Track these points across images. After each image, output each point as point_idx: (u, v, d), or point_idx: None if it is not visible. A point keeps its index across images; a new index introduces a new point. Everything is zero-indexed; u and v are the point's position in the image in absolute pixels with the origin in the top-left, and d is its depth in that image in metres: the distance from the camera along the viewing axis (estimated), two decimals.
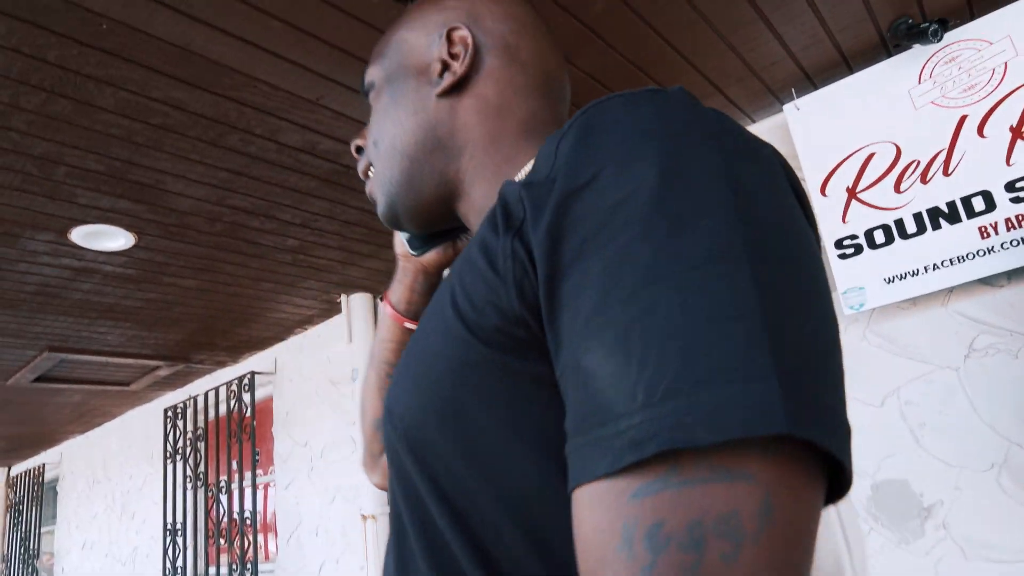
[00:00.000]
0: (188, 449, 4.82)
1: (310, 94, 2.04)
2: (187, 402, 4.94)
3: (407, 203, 0.67)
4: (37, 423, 6.32)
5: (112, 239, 2.77)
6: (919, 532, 2.10)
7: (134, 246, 2.85)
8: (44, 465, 7.68)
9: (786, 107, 2.43)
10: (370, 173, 0.72)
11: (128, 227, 2.69)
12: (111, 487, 6.23)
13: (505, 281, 0.41)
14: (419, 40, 0.66)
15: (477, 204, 0.64)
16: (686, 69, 2.20)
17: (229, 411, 4.47)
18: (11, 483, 8.65)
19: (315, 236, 2.97)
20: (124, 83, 1.90)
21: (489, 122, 0.63)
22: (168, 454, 4.98)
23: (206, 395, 4.71)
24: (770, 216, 0.37)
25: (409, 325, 0.83)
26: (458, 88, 0.63)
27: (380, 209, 0.70)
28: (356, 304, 3.75)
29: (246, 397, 4.37)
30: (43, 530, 7.63)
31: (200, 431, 4.75)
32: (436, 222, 0.69)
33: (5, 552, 8.52)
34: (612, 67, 2.12)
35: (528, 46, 0.65)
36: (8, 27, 1.66)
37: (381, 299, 0.88)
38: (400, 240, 0.82)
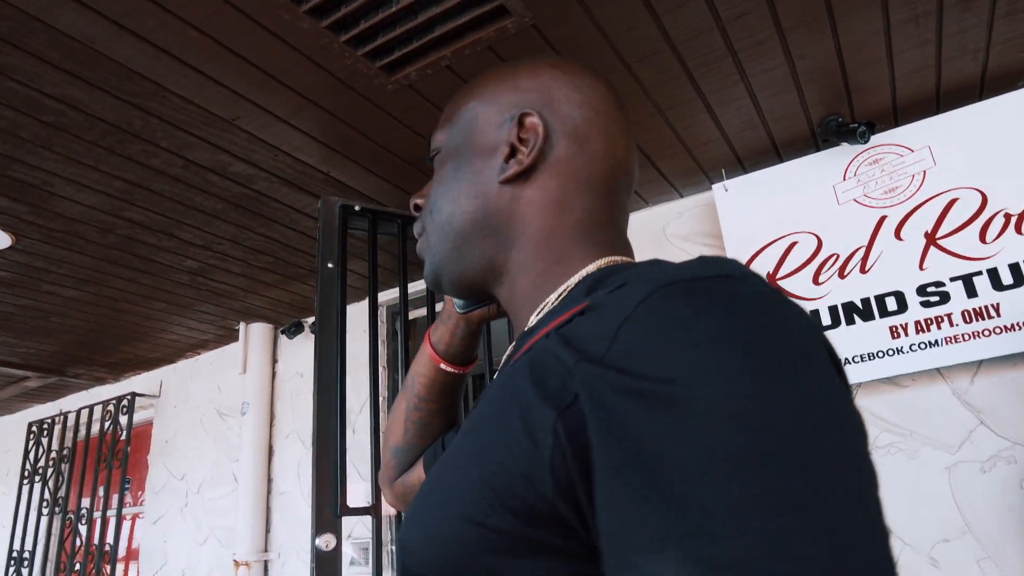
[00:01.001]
0: (50, 470, 4.39)
1: (225, 112, 1.89)
2: (56, 418, 4.53)
3: (451, 276, 0.67)
4: None
5: None
6: None
7: (10, 247, 2.58)
8: None
9: (715, 186, 2.44)
10: (422, 235, 0.71)
11: (4, 226, 2.43)
12: None
13: (542, 456, 0.40)
14: (491, 118, 0.65)
15: (518, 294, 0.63)
16: None
17: (102, 432, 4.10)
18: None
19: (217, 260, 2.77)
20: (12, 72, 1.71)
21: (547, 218, 0.62)
22: (26, 473, 4.52)
23: (79, 412, 4.33)
24: (838, 446, 0.35)
25: (444, 367, 0.85)
26: (522, 177, 0.62)
27: (426, 271, 0.70)
28: (255, 333, 3.54)
29: (123, 419, 4.03)
30: None
31: (67, 451, 4.34)
32: (477, 296, 0.70)
33: None
34: None
35: (600, 136, 0.64)
36: None
37: (424, 335, 0.90)
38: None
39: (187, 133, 1.96)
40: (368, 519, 1.82)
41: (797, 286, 2.24)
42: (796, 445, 0.33)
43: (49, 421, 4.57)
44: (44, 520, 4.40)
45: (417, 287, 2.81)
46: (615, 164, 0.64)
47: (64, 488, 4.28)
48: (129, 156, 2.05)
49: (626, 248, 0.65)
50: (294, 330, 3.46)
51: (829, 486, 0.33)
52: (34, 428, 4.64)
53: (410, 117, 1.98)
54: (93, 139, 1.97)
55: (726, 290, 0.40)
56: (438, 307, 2.79)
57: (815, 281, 2.23)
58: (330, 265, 1.91)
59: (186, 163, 2.10)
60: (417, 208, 0.74)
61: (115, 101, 1.82)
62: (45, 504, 4.35)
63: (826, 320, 2.18)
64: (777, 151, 2.34)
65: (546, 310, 0.58)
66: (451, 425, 0.90)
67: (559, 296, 0.58)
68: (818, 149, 2.31)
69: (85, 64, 1.68)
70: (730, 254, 2.38)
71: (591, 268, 0.59)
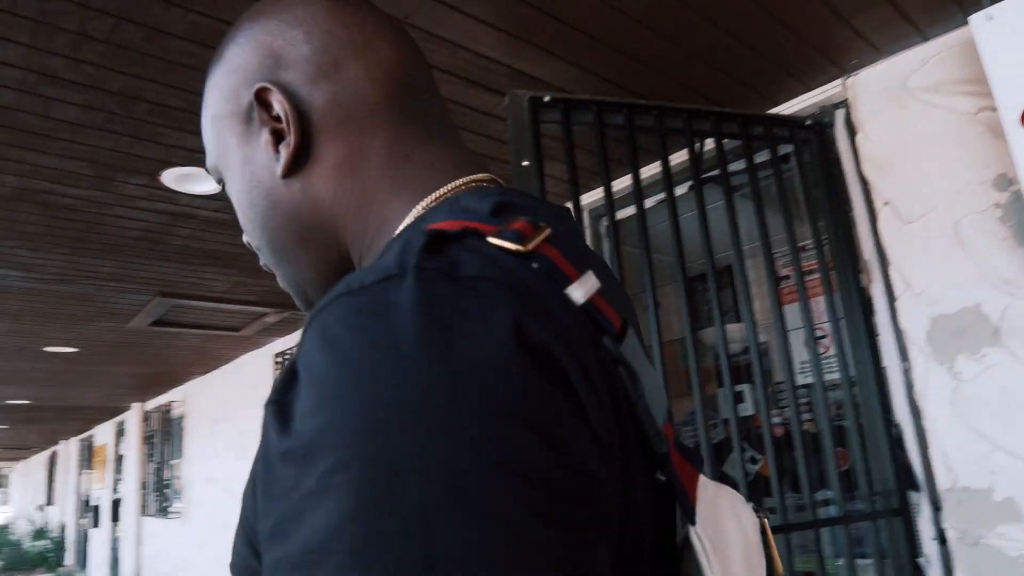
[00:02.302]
0: None
1: (397, 11, 1.74)
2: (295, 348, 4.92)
3: (317, 291, 0.57)
4: (161, 364, 6.58)
5: (203, 182, 2.62)
6: None
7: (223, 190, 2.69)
8: (171, 403, 8.09)
9: (973, 17, 1.92)
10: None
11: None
12: (229, 427, 6.43)
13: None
14: (229, 116, 0.55)
15: None
16: None
17: None
18: (145, 417, 9.22)
19: None
20: (193, 3, 1.67)
21: (347, 184, 0.52)
22: None
23: None
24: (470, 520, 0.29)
25: None
26: (301, 158, 0.53)
27: (298, 303, 0.60)
28: None
29: None
30: (172, 462, 8.08)
31: None
32: None
33: (143, 478, 9.14)
34: None
35: (349, 56, 0.53)
36: None
37: None
38: None
39: None
40: None
41: None
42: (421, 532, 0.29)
43: (292, 351, 4.98)
44: None
45: (622, 183, 2.57)
46: (386, 72, 0.53)
47: None
48: None
49: (438, 168, 0.53)
50: None
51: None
52: (278, 359, 5.09)
53: None
54: None
55: (375, 308, 0.35)
56: (648, 203, 2.55)
57: None
58: (525, 163, 1.74)
59: None
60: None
61: None
62: None
63: None
64: None
65: None
66: None
67: None
68: None
69: None
70: (1002, 105, 1.87)
71: (400, 229, 0.49)
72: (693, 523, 0.43)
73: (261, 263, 0.62)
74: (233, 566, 0.46)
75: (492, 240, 0.40)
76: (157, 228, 3.08)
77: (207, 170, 0.61)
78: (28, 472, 25.31)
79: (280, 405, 0.35)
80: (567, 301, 0.39)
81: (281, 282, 0.60)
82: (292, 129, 0.52)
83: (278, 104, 0.52)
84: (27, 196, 2.69)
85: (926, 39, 2.06)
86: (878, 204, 2.05)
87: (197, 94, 2.04)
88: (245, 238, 0.61)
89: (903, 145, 2.00)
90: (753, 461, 3.03)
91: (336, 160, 0.53)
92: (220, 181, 0.60)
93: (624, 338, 0.41)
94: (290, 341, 5.27)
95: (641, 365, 0.41)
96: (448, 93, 2.12)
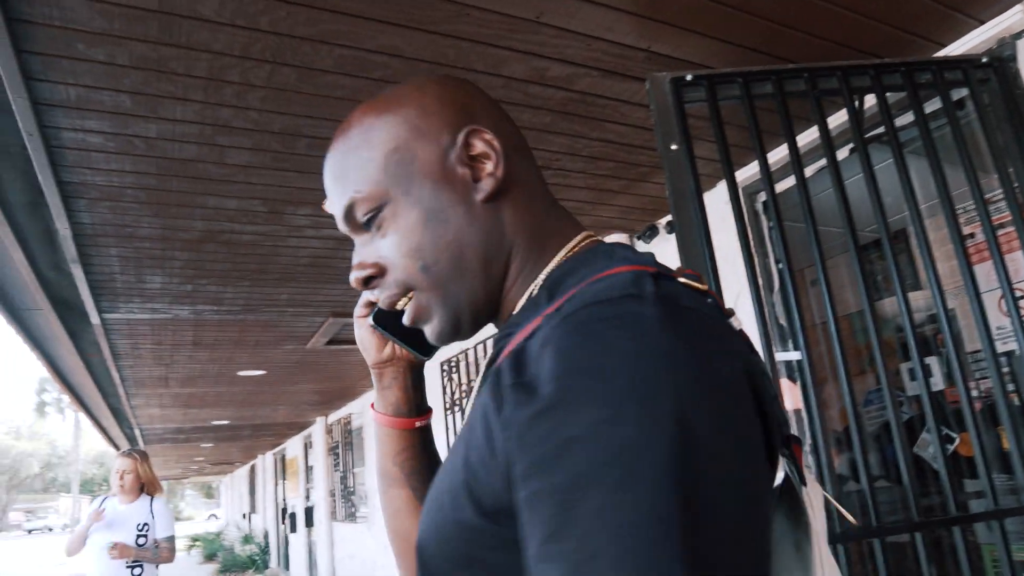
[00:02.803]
0: (463, 400, 4.98)
1: (527, 12, 1.75)
2: (459, 356, 5.09)
3: (476, 315, 0.66)
4: (339, 380, 7.04)
5: None
6: None
7: None
8: (351, 415, 8.62)
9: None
10: (411, 299, 0.66)
11: None
12: None
13: (499, 466, 0.47)
14: (428, 149, 0.63)
15: (509, 304, 0.65)
16: None
17: None
18: (328, 429, 9.89)
19: (558, 177, 2.72)
20: (337, 38, 1.77)
21: (527, 216, 0.65)
22: (446, 405, 5.19)
23: (475, 348, 4.80)
24: (711, 469, 0.42)
25: (420, 423, 0.81)
26: (497, 192, 0.63)
27: (438, 328, 0.66)
28: None
29: None
30: (355, 470, 8.61)
31: (472, 383, 4.86)
32: (489, 321, 0.69)
33: (331, 487, 9.81)
34: None
35: (509, 129, 0.67)
36: (219, 0, 1.59)
37: (374, 412, 0.84)
38: (377, 349, 0.81)
39: (497, 48, 1.87)
40: None
41: None
42: (665, 462, 0.40)
43: (455, 359, 5.16)
44: None
45: (777, 155, 2.44)
46: (527, 150, 0.68)
47: None
48: None
49: (569, 220, 0.68)
50: (649, 233, 3.31)
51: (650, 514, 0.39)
52: (444, 367, 5.28)
53: None
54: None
55: (626, 313, 0.46)
56: (808, 172, 2.40)
57: None
58: (673, 147, 1.69)
59: (505, 81, 2.03)
60: (371, 279, 0.66)
61: (425, 36, 1.79)
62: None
63: None
64: None
65: (519, 307, 0.62)
66: None
67: (530, 293, 0.62)
68: None
69: (388, 5, 1.67)
70: None
71: (558, 258, 0.63)
72: (805, 485, 0.57)
73: (385, 301, 0.67)
74: (427, 530, 0.56)
75: (681, 280, 0.53)
76: (324, 253, 3.29)
77: (346, 212, 0.66)
78: (233, 484, 27.96)
79: (523, 384, 0.47)
80: (732, 327, 0.55)
81: (443, 312, 0.65)
82: (501, 163, 0.63)
83: (483, 143, 0.63)
84: (212, 237, 2.96)
85: (981, 23, 1.80)
86: None
87: None
88: (367, 272, 0.66)
89: None
90: (948, 440, 2.78)
91: (518, 199, 0.65)
92: (365, 222, 0.65)
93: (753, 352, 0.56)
94: (454, 349, 5.46)
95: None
96: (586, 87, 2.11)
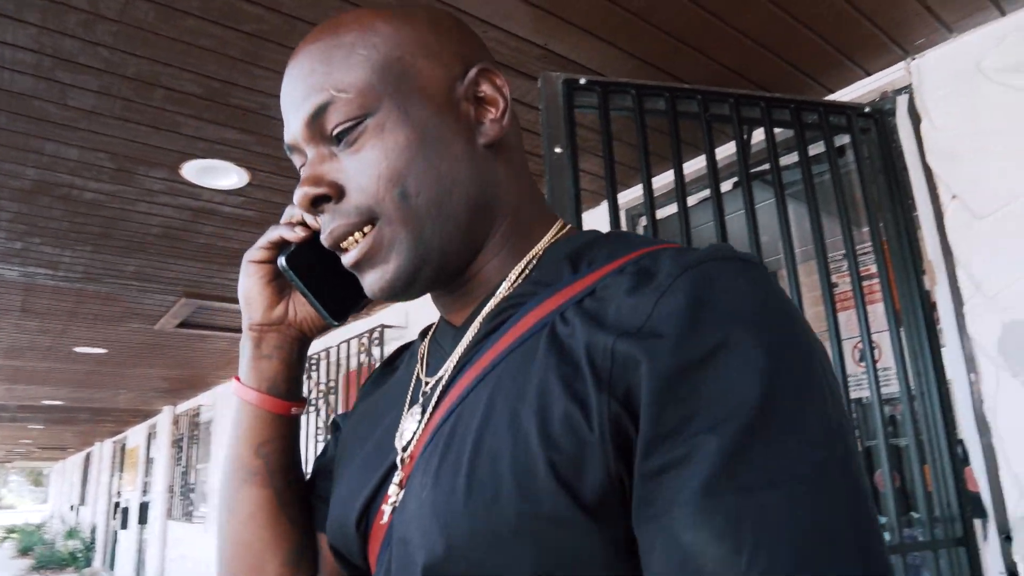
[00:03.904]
0: (320, 400, 4.72)
1: None
2: (320, 354, 4.83)
3: (441, 269, 0.56)
4: (190, 367, 6.56)
5: (224, 176, 2.53)
6: None
7: (248, 184, 2.60)
8: (200, 407, 8.08)
9: None
10: (371, 231, 0.55)
11: (238, 162, 2.44)
12: None
13: (603, 440, 0.42)
14: (437, 71, 0.56)
15: (488, 267, 0.58)
16: None
17: (359, 365, 4.29)
18: (175, 421, 9.25)
19: None
20: None
21: (517, 183, 0.59)
22: None
23: (338, 347, 4.57)
24: (839, 407, 0.43)
25: (296, 411, 0.68)
26: (497, 142, 0.58)
27: (392, 274, 0.55)
28: None
29: (376, 350, 4.17)
30: (199, 466, 8.07)
31: (332, 384, 4.62)
32: (442, 287, 0.60)
33: (170, 483, 9.16)
34: None
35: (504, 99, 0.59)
36: None
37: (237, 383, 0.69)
38: (268, 305, 0.67)
39: None
40: None
41: None
42: (832, 405, 0.42)
43: (315, 357, 4.89)
44: (320, 446, 4.75)
45: (663, 180, 2.42)
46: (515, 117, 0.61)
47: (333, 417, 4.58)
48: None
49: (546, 203, 0.64)
50: None
51: (844, 464, 0.39)
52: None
53: None
54: (295, 44, 1.81)
55: (755, 270, 0.45)
56: (691, 201, 2.39)
57: None
58: (558, 150, 1.60)
59: None
60: (322, 200, 0.55)
61: None
62: (319, 431, 4.69)
63: None
64: None
65: (520, 279, 0.56)
66: (308, 485, 0.72)
67: (529, 264, 0.56)
68: None
69: None
70: None
71: (549, 236, 0.59)
72: None
73: (336, 230, 0.56)
74: (465, 537, 0.44)
75: None
76: (179, 225, 3.00)
77: (322, 101, 0.54)
78: (64, 472, 25.77)
79: (641, 333, 0.43)
80: None
81: (399, 251, 0.55)
82: (509, 111, 0.57)
83: (492, 87, 0.57)
84: (48, 189, 2.63)
85: (1004, 14, 1.87)
86: (945, 198, 1.87)
87: (215, 79, 1.95)
88: (321, 190, 0.55)
89: (974, 133, 1.82)
90: None
91: (513, 161, 0.60)
92: (346, 129, 0.54)
93: None
94: (315, 347, 5.19)
95: None
96: None
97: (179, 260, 3.46)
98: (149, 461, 10.87)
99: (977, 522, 1.79)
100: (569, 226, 0.61)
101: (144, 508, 10.28)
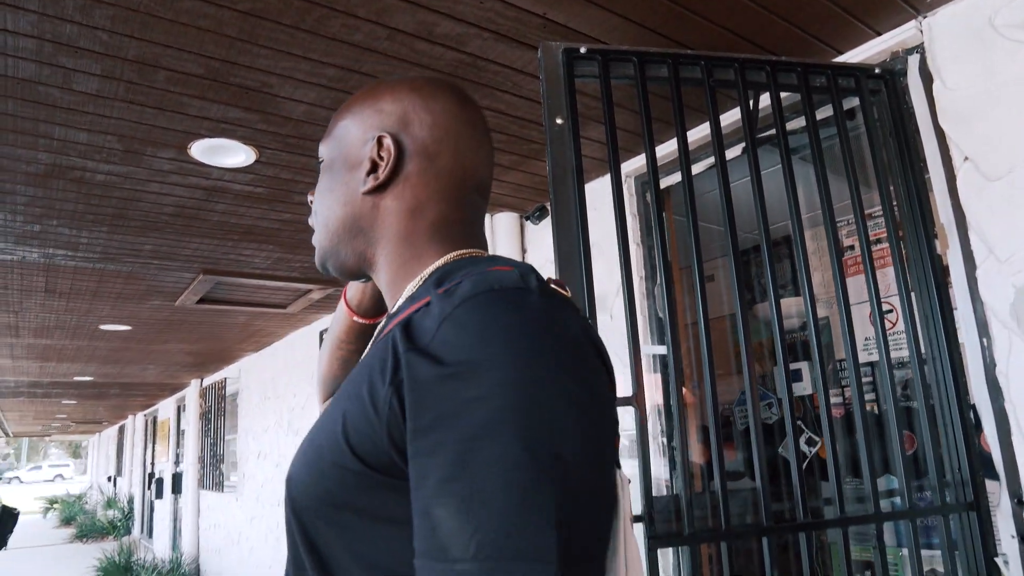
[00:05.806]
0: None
1: None
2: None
3: (334, 265, 0.83)
4: (214, 341, 6.66)
5: (232, 154, 2.54)
6: None
7: (256, 161, 2.61)
8: (226, 379, 8.22)
9: None
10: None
11: (245, 140, 2.44)
12: (279, 404, 6.48)
13: (381, 422, 0.58)
14: (357, 136, 0.79)
15: (385, 282, 0.78)
16: None
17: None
18: (202, 393, 9.42)
19: None
20: None
21: (403, 222, 0.76)
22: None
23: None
24: (558, 422, 0.54)
25: (358, 320, 0.98)
26: (380, 189, 0.77)
27: (316, 259, 0.85)
28: (500, 224, 3.37)
29: None
30: (227, 437, 8.23)
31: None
32: (358, 279, 0.85)
33: (200, 454, 9.36)
34: None
35: (448, 153, 0.77)
36: None
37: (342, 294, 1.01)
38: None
39: None
40: (631, 409, 1.55)
41: None
42: (546, 422, 0.53)
43: None
44: None
45: (667, 149, 2.39)
46: (464, 175, 0.78)
47: None
48: (332, 36, 1.87)
49: (477, 240, 0.79)
50: (539, 214, 3.22)
51: (560, 467, 0.52)
52: (323, 335, 5.06)
53: None
54: (292, 22, 1.80)
55: (519, 299, 0.58)
56: (696, 169, 2.36)
57: None
58: (559, 120, 1.58)
59: (390, 32, 1.87)
60: (311, 204, 0.85)
61: None
62: None
63: None
64: None
65: (406, 296, 0.73)
66: None
67: (416, 285, 0.73)
68: None
69: None
70: None
71: (440, 262, 0.74)
72: (619, 467, 0.67)
73: (310, 221, 0.85)
74: (301, 468, 0.67)
75: (551, 283, 0.65)
76: (192, 204, 3.03)
77: (319, 153, 0.84)
78: (101, 444, 26.46)
79: (421, 351, 0.56)
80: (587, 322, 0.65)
81: (317, 251, 0.83)
82: (386, 169, 0.75)
83: (386, 151, 0.75)
84: (61, 173, 2.66)
85: None
86: (957, 160, 1.83)
87: (215, 59, 1.94)
88: (310, 196, 0.87)
89: (988, 92, 1.77)
90: (811, 443, 2.84)
91: (403, 204, 0.76)
92: (319, 160, 0.84)
93: None
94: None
95: None
96: (477, 50, 1.98)
97: (194, 238, 3.49)
98: (180, 433, 11.11)
99: (989, 486, 1.78)
100: (472, 251, 0.76)
101: (177, 479, 10.53)
